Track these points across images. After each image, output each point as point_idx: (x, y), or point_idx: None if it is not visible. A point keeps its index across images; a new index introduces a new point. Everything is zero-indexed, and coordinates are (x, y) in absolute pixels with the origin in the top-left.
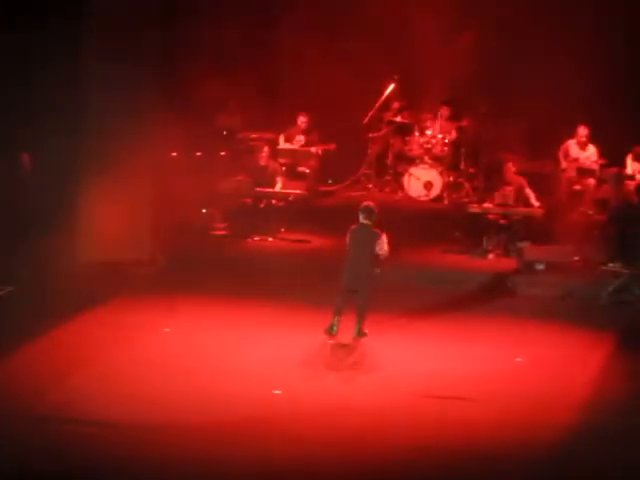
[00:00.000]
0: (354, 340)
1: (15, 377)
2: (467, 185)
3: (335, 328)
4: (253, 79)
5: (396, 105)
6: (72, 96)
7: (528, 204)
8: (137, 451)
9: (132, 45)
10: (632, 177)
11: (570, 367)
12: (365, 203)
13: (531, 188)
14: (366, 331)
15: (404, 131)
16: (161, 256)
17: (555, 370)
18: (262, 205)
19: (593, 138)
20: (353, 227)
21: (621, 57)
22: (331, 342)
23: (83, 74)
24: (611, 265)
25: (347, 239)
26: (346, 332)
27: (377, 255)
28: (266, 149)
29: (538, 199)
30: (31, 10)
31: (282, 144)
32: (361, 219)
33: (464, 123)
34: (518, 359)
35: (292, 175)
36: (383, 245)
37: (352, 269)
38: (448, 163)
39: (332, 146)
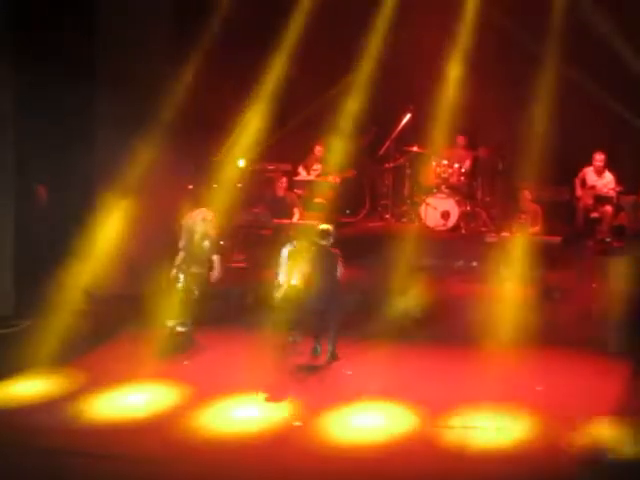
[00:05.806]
0: (327, 363)
1: (27, 410)
2: (484, 214)
3: (319, 349)
4: (267, 110)
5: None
6: (86, 129)
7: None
8: None
9: (146, 79)
10: None
11: (591, 395)
12: (322, 226)
13: (545, 216)
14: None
15: (420, 161)
16: None
17: (576, 399)
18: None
19: (609, 165)
20: (312, 249)
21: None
22: (349, 372)
23: (98, 107)
24: None
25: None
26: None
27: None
28: (284, 180)
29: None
30: (47, 43)
31: (303, 174)
32: (318, 241)
33: (480, 152)
34: (539, 388)
35: (309, 206)
36: (341, 266)
37: (317, 291)
38: (465, 192)
39: (351, 172)
